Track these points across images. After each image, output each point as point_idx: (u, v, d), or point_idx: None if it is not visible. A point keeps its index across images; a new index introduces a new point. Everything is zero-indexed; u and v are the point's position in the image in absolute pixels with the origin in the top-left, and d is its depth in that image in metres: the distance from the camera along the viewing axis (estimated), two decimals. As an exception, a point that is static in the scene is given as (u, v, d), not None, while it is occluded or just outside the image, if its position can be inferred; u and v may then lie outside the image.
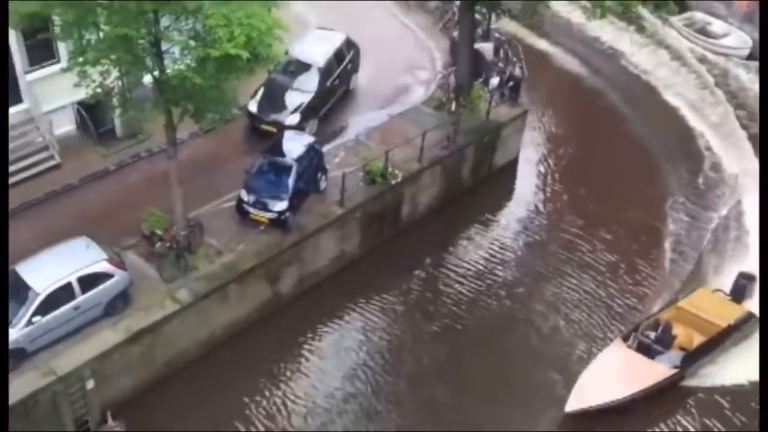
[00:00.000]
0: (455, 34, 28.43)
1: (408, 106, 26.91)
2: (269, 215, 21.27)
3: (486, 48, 27.73)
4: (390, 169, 23.57)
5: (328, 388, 20.65)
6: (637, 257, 24.85)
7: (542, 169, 28.42)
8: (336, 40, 26.54)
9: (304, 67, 25.28)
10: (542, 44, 33.69)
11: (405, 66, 28.73)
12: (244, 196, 21.40)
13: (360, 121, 26.08)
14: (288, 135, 23.04)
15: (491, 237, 25.64)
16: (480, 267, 24.46)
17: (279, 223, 21.38)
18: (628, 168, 28.17)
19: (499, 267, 24.59)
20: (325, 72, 25.43)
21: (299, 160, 21.87)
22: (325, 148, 24.12)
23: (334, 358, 21.41)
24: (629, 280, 24.19)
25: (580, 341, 22.32)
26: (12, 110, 21.95)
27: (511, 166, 28.09)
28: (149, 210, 20.68)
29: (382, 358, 21.56)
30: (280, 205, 21.22)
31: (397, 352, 21.79)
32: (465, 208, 26.05)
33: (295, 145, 22.39)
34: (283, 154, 22.08)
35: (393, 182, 23.69)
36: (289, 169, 21.65)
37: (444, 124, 25.46)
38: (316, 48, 25.82)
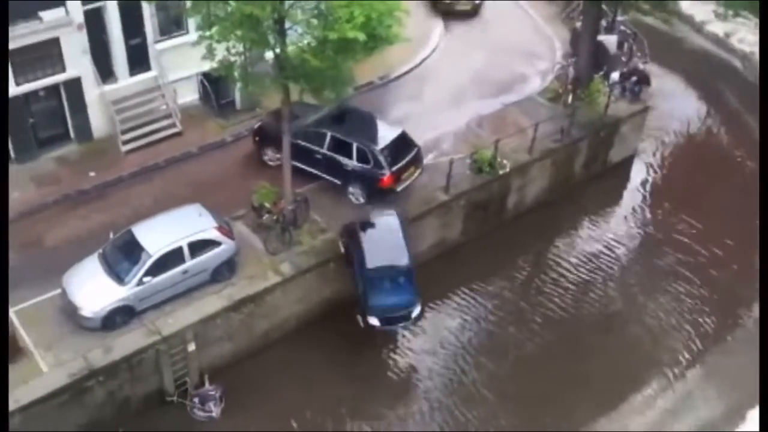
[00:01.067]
0: (578, 24, 27.22)
1: (523, 95, 26.13)
2: None
3: (610, 41, 26.41)
4: (499, 159, 22.94)
5: (423, 368, 20.35)
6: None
7: (661, 168, 26.94)
8: None
9: None
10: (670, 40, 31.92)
11: (523, 54, 27.85)
12: None
13: (472, 107, 25.43)
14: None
15: (600, 233, 24.57)
16: (587, 262, 23.52)
17: None
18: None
19: (607, 264, 23.56)
20: None
21: None
22: (434, 134, 23.84)
23: (430, 340, 21.03)
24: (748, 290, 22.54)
25: (685, 346, 21.21)
26: (141, 77, 22.80)
27: (627, 163, 26.77)
28: (260, 183, 20.97)
29: (479, 343, 21.14)
30: None
31: (495, 338, 21.27)
32: (575, 202, 25.04)
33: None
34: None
35: (501, 172, 23.04)
36: None
37: (558, 116, 24.62)
38: None
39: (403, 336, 21.03)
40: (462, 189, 22.50)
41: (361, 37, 16.34)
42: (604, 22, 26.89)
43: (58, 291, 18.35)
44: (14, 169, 21.40)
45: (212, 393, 18.68)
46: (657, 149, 27.51)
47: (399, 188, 21.53)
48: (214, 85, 23.57)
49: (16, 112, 20.92)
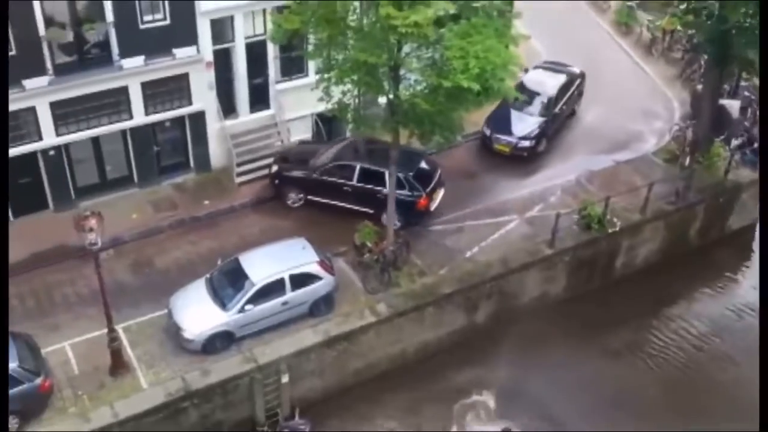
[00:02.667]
0: (699, 86, 26.56)
1: (637, 154, 25.58)
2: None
3: (732, 105, 25.54)
4: (608, 216, 22.44)
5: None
6: None
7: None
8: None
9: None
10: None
11: (638, 112, 27.38)
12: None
13: (582, 162, 25.12)
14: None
15: (715, 304, 23.51)
16: (699, 334, 22.56)
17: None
18: None
19: (721, 338, 22.46)
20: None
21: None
22: (542, 186, 23.79)
23: (518, 398, 20.52)
24: None
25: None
26: (260, 114, 23.85)
27: (748, 231, 25.57)
28: (364, 222, 21.33)
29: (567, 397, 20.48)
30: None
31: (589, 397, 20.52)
32: (688, 269, 24.09)
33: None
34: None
35: (610, 230, 22.50)
36: None
37: (674, 177, 23.93)
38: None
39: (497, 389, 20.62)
40: (568, 244, 22.12)
41: (475, 87, 16.50)
42: (726, 86, 26.12)
43: (164, 311, 19.09)
44: (135, 192, 22.78)
45: (302, 427, 18.80)
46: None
47: (432, 208, 22.21)
48: (327, 125, 24.38)
49: (144, 139, 22.30)
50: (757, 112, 26.16)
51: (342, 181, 22.18)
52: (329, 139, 24.68)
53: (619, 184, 23.74)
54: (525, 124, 25.14)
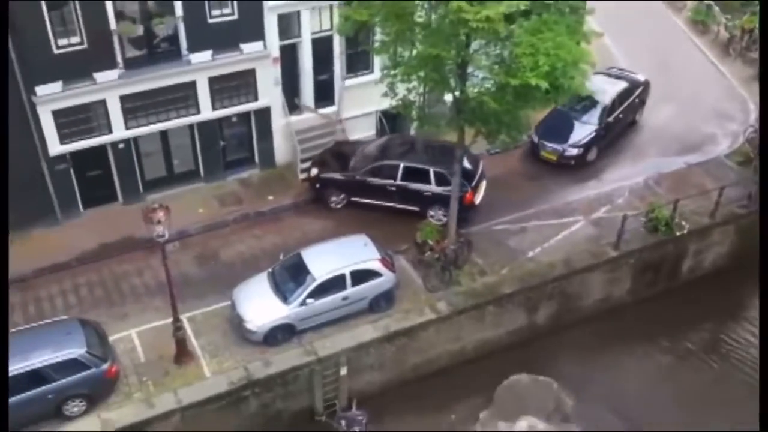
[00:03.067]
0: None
1: (709, 156, 24.93)
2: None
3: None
4: (677, 219, 21.95)
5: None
6: None
7: None
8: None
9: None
10: None
11: (713, 114, 26.71)
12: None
13: (652, 164, 24.61)
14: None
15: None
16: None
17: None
18: None
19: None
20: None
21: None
22: (609, 187, 23.38)
23: (585, 394, 20.17)
24: None
25: None
26: (325, 110, 24.01)
27: (824, 237, 24.70)
28: (426, 220, 21.33)
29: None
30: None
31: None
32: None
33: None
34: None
35: (678, 233, 22.00)
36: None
37: (747, 181, 23.23)
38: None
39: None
40: (633, 247, 21.72)
41: (544, 85, 16.28)
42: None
43: (228, 303, 19.44)
44: (201, 187, 23.24)
45: (359, 418, 18.96)
46: None
47: (477, 202, 22.17)
48: (391, 122, 24.46)
49: (210, 134, 22.74)
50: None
51: (386, 181, 22.18)
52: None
53: (689, 187, 23.22)
54: (575, 131, 24.41)
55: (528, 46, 16.29)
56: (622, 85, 25.78)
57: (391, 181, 22.16)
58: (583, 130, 24.49)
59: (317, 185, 22.91)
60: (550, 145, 24.35)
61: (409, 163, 22.12)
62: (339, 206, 22.78)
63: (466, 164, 21.77)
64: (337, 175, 22.65)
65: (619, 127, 25.50)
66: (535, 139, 24.66)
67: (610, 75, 26.27)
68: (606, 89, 25.03)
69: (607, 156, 24.96)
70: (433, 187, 21.87)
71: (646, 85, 26.44)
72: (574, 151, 24.26)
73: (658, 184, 23.74)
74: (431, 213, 22.04)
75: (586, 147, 24.34)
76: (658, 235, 21.91)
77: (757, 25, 27.67)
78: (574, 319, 21.60)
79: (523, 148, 24.84)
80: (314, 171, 22.94)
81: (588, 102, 24.43)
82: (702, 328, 22.39)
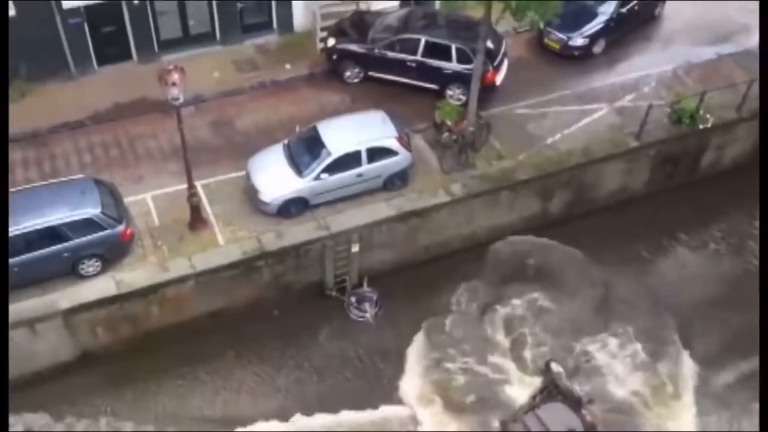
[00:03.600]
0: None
1: (741, 47, 23.97)
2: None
3: None
4: (702, 112, 21.42)
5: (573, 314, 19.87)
6: None
7: None
8: None
9: None
10: None
11: (747, 3, 25.39)
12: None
13: (683, 53, 23.73)
14: None
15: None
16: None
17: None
18: None
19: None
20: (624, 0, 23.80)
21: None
22: (636, 75, 22.73)
23: (581, 290, 20.38)
24: None
25: None
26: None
27: None
28: (444, 100, 20.87)
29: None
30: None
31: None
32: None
33: None
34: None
35: (701, 126, 21.54)
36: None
37: (779, 74, 22.43)
38: None
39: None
40: (655, 137, 21.32)
41: None
42: None
43: (243, 173, 19.35)
44: (217, 50, 22.65)
45: (370, 295, 19.36)
46: None
47: (498, 82, 21.57)
48: (417, -4, 23.46)
49: (227, -6, 21.88)
50: None
51: (405, 55, 21.46)
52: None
53: (719, 79, 22.50)
54: (584, 21, 23.24)
55: None
56: None
57: (411, 56, 21.47)
58: (594, 20, 23.39)
59: (334, 56, 22.20)
60: (554, 32, 23.24)
61: (430, 38, 21.36)
62: (355, 80, 22.19)
63: (489, 43, 20.92)
64: (355, 47, 21.90)
65: (634, 20, 24.18)
66: (541, 24, 23.54)
67: None
68: None
69: (620, 48, 23.88)
70: (454, 65, 21.24)
71: None
72: (579, 42, 23.20)
73: (687, 74, 23.01)
74: (450, 92, 21.53)
75: (592, 38, 23.26)
76: (681, 127, 21.47)
77: None
78: (589, 209, 21.52)
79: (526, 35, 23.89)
80: (331, 41, 22.18)
81: None
82: (722, 219, 22.28)
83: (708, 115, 21.58)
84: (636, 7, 24.10)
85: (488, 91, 21.18)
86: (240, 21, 22.71)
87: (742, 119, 22.19)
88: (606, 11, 23.58)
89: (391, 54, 21.58)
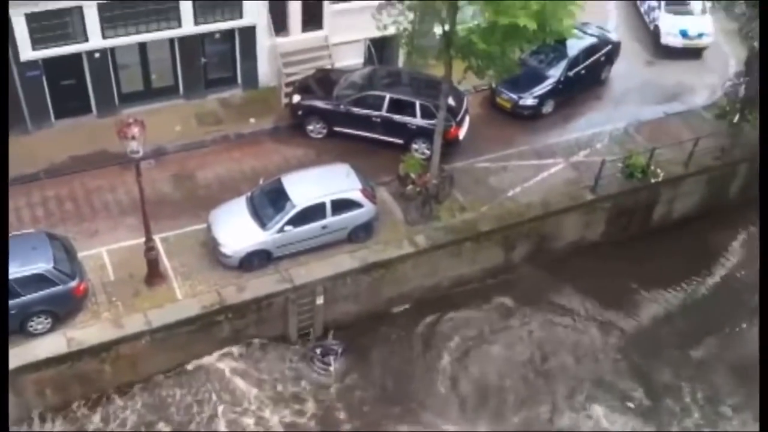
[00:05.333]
0: (755, 44, 24.14)
1: (687, 107, 23.45)
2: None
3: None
4: (652, 167, 20.68)
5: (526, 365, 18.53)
6: None
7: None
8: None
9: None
10: None
11: (693, 65, 25.11)
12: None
13: (634, 111, 23.02)
14: None
15: (753, 260, 21.43)
16: (732, 288, 20.94)
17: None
18: None
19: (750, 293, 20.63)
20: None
21: None
22: (590, 132, 21.96)
23: (544, 340, 19.10)
24: None
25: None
26: (312, 35, 21.88)
27: (791, 194, 23.64)
28: (409, 153, 19.67)
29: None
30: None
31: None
32: (727, 225, 22.29)
33: None
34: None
35: (652, 180, 20.78)
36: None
37: (722, 133, 21.91)
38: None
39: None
40: (609, 191, 20.43)
41: (532, 25, 15.17)
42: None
43: (203, 225, 17.64)
44: (179, 104, 21.13)
45: (334, 347, 17.70)
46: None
47: (461, 137, 20.59)
48: (379, 52, 22.43)
49: (192, 49, 20.48)
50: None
51: (370, 111, 20.31)
52: (380, 65, 22.73)
53: (666, 136, 21.85)
54: (534, 82, 22.35)
55: None
56: (590, 41, 23.62)
57: (376, 112, 20.27)
58: (543, 82, 22.51)
59: (299, 112, 20.86)
60: (506, 92, 22.33)
61: (395, 95, 20.28)
62: (319, 135, 20.84)
63: (451, 100, 19.94)
64: (320, 103, 20.63)
65: (581, 83, 23.34)
66: (493, 84, 22.53)
67: (580, 30, 23.96)
68: (572, 44, 22.51)
69: (573, 107, 23.02)
70: (418, 120, 20.11)
71: (616, 45, 24.35)
72: (529, 101, 22.30)
73: (638, 132, 22.30)
74: (415, 146, 20.34)
75: (541, 99, 22.36)
76: (633, 182, 20.68)
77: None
78: (550, 259, 20.31)
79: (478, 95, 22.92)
80: (296, 98, 20.87)
81: (557, 54, 22.63)
82: (669, 270, 21.21)
83: (659, 170, 20.88)
84: (583, 71, 23.38)
85: (452, 146, 20.09)
86: (204, 75, 21.27)
87: (690, 174, 21.53)
88: (554, 74, 22.86)
89: (356, 110, 20.35)
